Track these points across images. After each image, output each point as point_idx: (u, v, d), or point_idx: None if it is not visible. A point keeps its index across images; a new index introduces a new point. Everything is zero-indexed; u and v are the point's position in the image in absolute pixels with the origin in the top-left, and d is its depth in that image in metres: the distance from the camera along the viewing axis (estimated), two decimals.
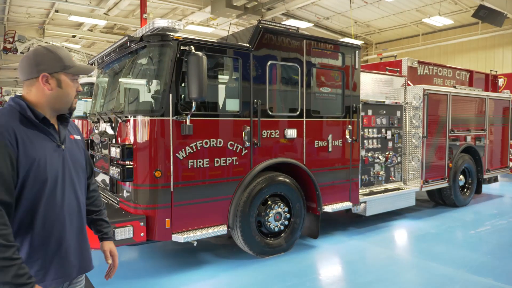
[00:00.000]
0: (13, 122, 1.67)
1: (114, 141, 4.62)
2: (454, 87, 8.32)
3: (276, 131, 5.03)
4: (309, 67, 5.35)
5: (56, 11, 15.42)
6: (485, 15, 11.81)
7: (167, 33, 4.18)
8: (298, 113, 5.25)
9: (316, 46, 5.44)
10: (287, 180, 5.13)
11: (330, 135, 5.63)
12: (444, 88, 7.79)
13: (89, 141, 5.51)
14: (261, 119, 4.82)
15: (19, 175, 1.63)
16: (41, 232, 1.71)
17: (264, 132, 4.90)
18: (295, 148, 5.25)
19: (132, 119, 4.25)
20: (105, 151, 4.89)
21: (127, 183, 4.27)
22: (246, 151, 4.76)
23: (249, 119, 4.74)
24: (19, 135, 1.65)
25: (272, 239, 5.09)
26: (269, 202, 5.02)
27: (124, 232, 3.87)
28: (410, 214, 7.42)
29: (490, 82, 9.62)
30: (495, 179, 9.30)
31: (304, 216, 5.33)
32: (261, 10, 14.67)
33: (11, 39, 16.61)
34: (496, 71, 10.04)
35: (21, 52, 17.54)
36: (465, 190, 8.33)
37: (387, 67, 7.38)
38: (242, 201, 4.70)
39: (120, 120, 4.39)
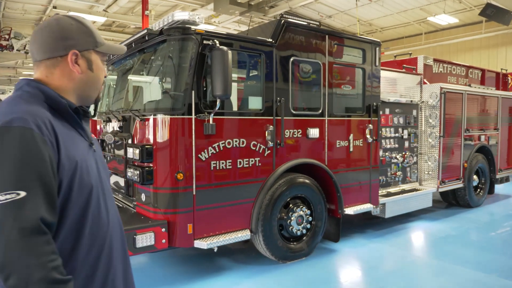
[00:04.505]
0: (46, 112, 1.26)
1: (130, 141, 4.36)
2: (469, 85, 8.16)
3: (299, 130, 4.81)
4: (331, 64, 5.14)
5: (54, 7, 15.05)
6: (492, 13, 11.68)
7: (188, 26, 3.94)
8: (320, 111, 5.04)
9: (337, 42, 5.23)
10: (309, 181, 4.91)
11: (351, 135, 5.42)
12: (460, 87, 7.63)
13: (99, 141, 5.25)
14: (284, 118, 4.60)
15: (61, 185, 1.21)
16: (87, 261, 1.30)
17: (287, 132, 4.68)
18: (317, 148, 5.04)
19: (152, 118, 4.00)
20: (118, 152, 4.63)
21: (147, 186, 4.02)
22: (269, 151, 4.53)
23: (272, 118, 4.52)
24: (58, 130, 1.24)
25: (294, 243, 4.87)
26: (290, 205, 4.80)
27: (145, 239, 3.63)
28: (425, 216, 7.25)
29: (501, 80, 9.49)
30: (507, 179, 9.16)
31: (325, 219, 5.12)
32: (264, 7, 14.43)
33: (6, 36, 16.20)
34: (506, 70, 9.91)
35: (17, 50, 17.13)
36: (479, 190, 8.18)
37: (404, 65, 7.19)
38: (265, 204, 4.48)
39: (138, 119, 4.14)
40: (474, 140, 7.83)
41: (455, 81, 8.15)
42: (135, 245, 3.59)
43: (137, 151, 3.93)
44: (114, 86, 5.45)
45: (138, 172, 3.91)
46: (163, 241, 3.80)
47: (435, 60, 7.57)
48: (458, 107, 7.36)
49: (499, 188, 9.82)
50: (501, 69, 9.66)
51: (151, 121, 4.00)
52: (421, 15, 16.44)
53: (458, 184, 7.42)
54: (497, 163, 8.53)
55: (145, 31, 4.03)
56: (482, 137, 8.04)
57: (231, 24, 17.38)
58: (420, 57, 7.30)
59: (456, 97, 7.28)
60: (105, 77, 1.52)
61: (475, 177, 7.95)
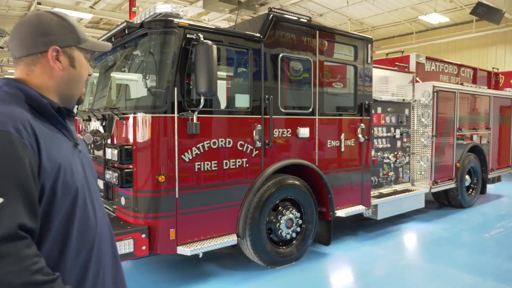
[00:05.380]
0: (26, 113, 1.20)
1: (109, 141, 4.11)
2: (461, 84, 8.05)
3: (288, 130, 4.60)
4: (322, 61, 4.95)
5: (39, 3, 14.63)
6: (483, 12, 11.63)
7: (171, 19, 3.70)
8: (310, 110, 4.84)
9: (329, 38, 5.04)
10: (299, 183, 4.72)
11: (343, 134, 5.24)
12: (453, 85, 7.50)
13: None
14: (273, 116, 4.39)
15: (44, 189, 1.15)
16: (76, 265, 1.24)
17: (276, 131, 4.47)
18: (307, 148, 4.84)
19: (131, 116, 3.76)
20: (98, 153, 4.38)
21: (126, 189, 3.78)
22: (257, 151, 4.32)
23: (260, 116, 4.30)
24: (39, 132, 1.18)
25: (283, 247, 4.67)
26: (280, 208, 4.60)
27: (123, 246, 3.39)
28: (417, 216, 7.11)
29: (492, 80, 9.42)
30: (499, 179, 9.10)
31: (316, 221, 4.93)
32: (254, 5, 14.20)
33: None
34: (498, 69, 9.85)
35: (0, 47, 16.66)
36: (471, 190, 8.08)
37: (396, 63, 7.03)
38: (252, 207, 4.27)
39: (117, 118, 3.89)
40: (467, 140, 7.73)
41: (447, 80, 8.04)
42: None
43: (116, 151, 3.69)
44: (96, 83, 5.19)
45: (116, 174, 3.67)
46: (143, 248, 3.56)
47: (427, 58, 7.43)
48: (451, 106, 7.24)
49: (490, 188, 9.74)
50: (493, 68, 9.59)
51: (130, 120, 3.76)
52: (412, 14, 16.39)
53: (451, 184, 7.30)
54: (489, 162, 8.44)
55: (124, 24, 3.78)
56: (475, 137, 7.94)
57: (220, 22, 17.12)
58: (412, 55, 7.16)
59: (448, 96, 7.16)
60: (89, 75, 1.45)
61: (467, 177, 7.84)
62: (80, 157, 1.37)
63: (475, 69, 8.88)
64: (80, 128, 5.30)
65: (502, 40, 15.87)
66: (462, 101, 7.51)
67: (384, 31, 18.90)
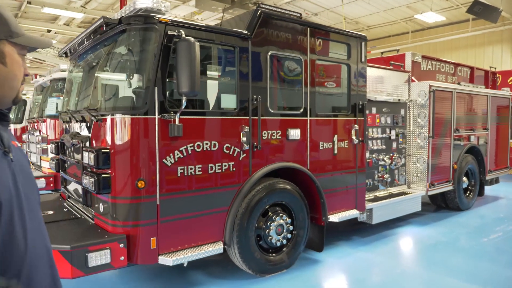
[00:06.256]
0: None
1: (88, 144, 3.88)
2: (458, 83, 7.87)
3: (278, 131, 4.39)
4: (313, 59, 4.73)
5: (29, 2, 14.34)
6: (480, 10, 11.47)
7: (151, 14, 3.48)
8: (301, 110, 4.63)
9: (320, 36, 4.83)
10: (290, 187, 4.50)
11: (336, 136, 5.03)
12: (449, 85, 7.31)
13: (59, 144, 4.75)
14: (261, 117, 4.17)
15: None
16: None
17: (265, 133, 4.26)
18: (299, 151, 4.63)
19: (109, 118, 3.53)
20: (78, 156, 4.15)
21: (104, 195, 3.55)
22: (245, 155, 4.10)
23: (247, 117, 4.09)
24: None
25: (273, 254, 4.45)
26: (269, 213, 4.38)
27: (99, 257, 3.16)
28: (414, 220, 6.92)
29: (490, 79, 9.25)
30: (497, 180, 8.91)
31: (308, 227, 4.72)
32: (248, 4, 13.98)
33: None
34: (495, 68, 9.68)
35: None
36: (468, 192, 7.89)
37: (391, 62, 6.84)
38: (240, 212, 4.05)
39: (94, 120, 3.66)
40: (464, 141, 7.54)
41: (444, 79, 7.85)
42: (87, 264, 3.12)
43: (92, 155, 3.46)
44: (80, 82, 4.95)
45: (93, 179, 3.43)
46: (121, 258, 3.33)
47: (423, 57, 7.25)
48: (448, 106, 7.05)
49: (488, 189, 9.57)
50: (490, 67, 9.41)
51: (108, 121, 3.53)
52: (408, 13, 16.24)
53: (448, 187, 7.11)
54: (487, 164, 8.26)
55: (102, 20, 3.55)
56: (472, 137, 7.75)
57: (214, 21, 16.88)
58: (408, 54, 6.97)
59: (445, 96, 6.97)
60: (26, 75, 1.28)
61: (464, 179, 7.66)
62: (11, 166, 1.17)
63: (472, 68, 8.70)
64: (63, 130, 5.07)
65: (499, 39, 15.74)
66: (459, 101, 7.32)
67: (380, 30, 18.74)
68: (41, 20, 17.50)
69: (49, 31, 19.05)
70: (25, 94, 11.58)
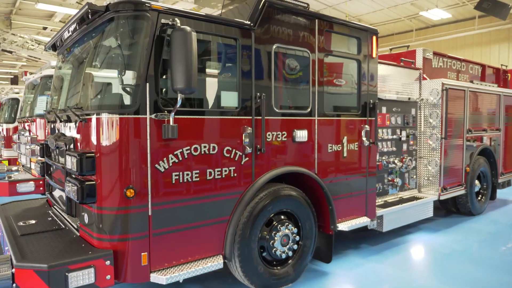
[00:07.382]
0: None
1: (72, 146, 3.49)
2: (471, 81, 7.48)
3: (283, 132, 3.99)
4: (321, 54, 4.34)
5: None
6: (488, 7, 11.09)
7: (142, 0, 3.08)
8: (308, 110, 4.24)
9: (329, 28, 4.44)
10: (296, 193, 4.11)
11: (345, 137, 4.64)
12: (463, 83, 6.93)
13: (44, 146, 4.35)
14: (266, 117, 3.78)
15: None
16: None
17: (269, 135, 3.86)
18: (305, 154, 4.24)
19: (94, 117, 3.13)
20: (62, 160, 3.75)
21: (89, 205, 3.16)
22: (247, 159, 3.71)
23: (250, 117, 3.69)
24: None
25: (277, 267, 4.06)
26: (274, 223, 3.99)
27: (81, 277, 2.76)
28: (424, 226, 6.53)
29: (501, 77, 8.86)
30: (508, 183, 8.53)
31: (315, 237, 4.33)
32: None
33: None
34: (506, 66, 9.29)
35: None
36: (480, 196, 7.50)
37: (402, 58, 6.44)
38: (242, 222, 3.65)
39: (78, 120, 3.26)
40: (477, 142, 7.16)
41: (455, 77, 7.47)
42: (67, 286, 2.72)
43: (75, 160, 3.06)
44: (68, 78, 4.55)
45: (76, 187, 3.04)
46: (108, 277, 2.94)
47: (434, 54, 6.85)
48: (460, 105, 6.66)
49: (498, 193, 9.18)
50: (501, 65, 9.03)
51: (93, 121, 3.13)
52: (412, 11, 15.86)
53: (460, 191, 6.72)
54: (499, 166, 7.87)
55: (86, 7, 3.15)
56: (485, 138, 7.36)
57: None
58: (419, 50, 6.58)
59: (458, 95, 6.58)
60: None
61: (476, 182, 7.28)
62: None
63: (483, 66, 8.32)
64: (47, 131, 4.68)
65: (506, 37, 15.37)
66: (472, 100, 6.93)
67: (383, 28, 18.36)
68: (36, 17, 17.13)
69: (45, 28, 18.68)
70: (17, 93, 11.18)
